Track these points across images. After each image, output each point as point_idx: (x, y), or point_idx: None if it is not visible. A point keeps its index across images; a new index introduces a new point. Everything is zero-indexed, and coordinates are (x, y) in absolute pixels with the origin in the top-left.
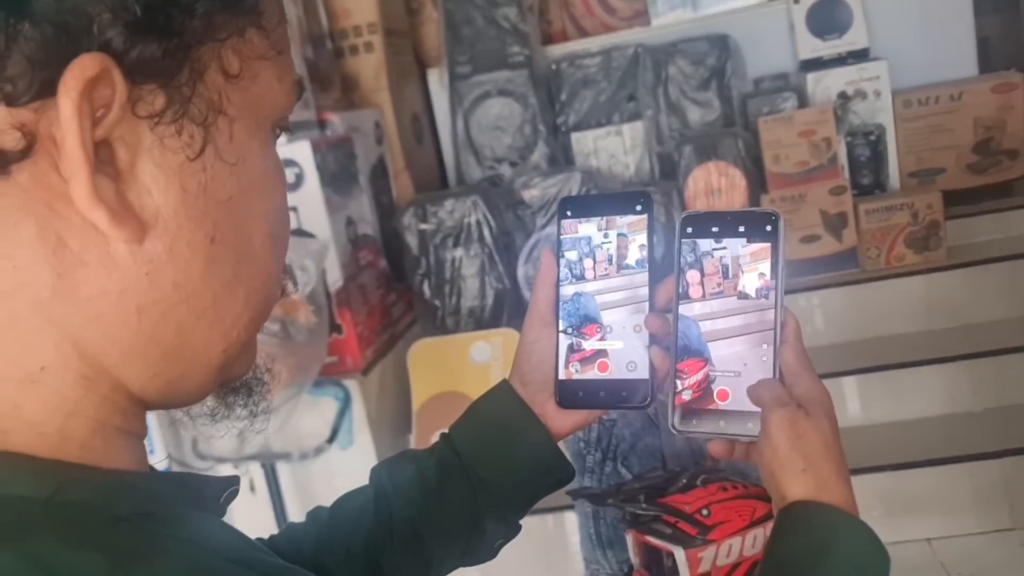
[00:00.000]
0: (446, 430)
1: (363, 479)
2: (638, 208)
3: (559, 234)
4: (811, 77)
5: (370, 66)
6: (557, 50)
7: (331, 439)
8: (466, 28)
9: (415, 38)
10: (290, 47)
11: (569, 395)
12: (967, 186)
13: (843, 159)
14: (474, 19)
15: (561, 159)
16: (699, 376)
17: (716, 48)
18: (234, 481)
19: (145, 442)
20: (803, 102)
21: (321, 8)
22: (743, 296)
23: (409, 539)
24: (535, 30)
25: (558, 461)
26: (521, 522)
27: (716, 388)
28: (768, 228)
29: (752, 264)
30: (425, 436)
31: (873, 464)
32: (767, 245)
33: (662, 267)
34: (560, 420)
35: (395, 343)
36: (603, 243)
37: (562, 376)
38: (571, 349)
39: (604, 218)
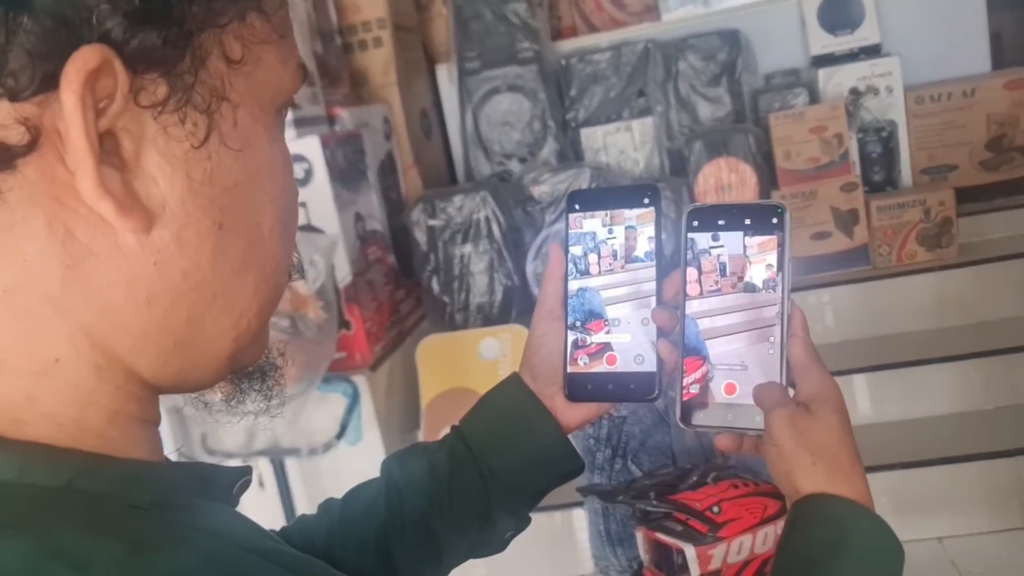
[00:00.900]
0: (456, 423)
1: (372, 475)
2: (645, 201)
3: (567, 228)
4: (822, 73)
5: (379, 61)
6: (567, 45)
7: (340, 435)
8: (475, 23)
9: (424, 33)
10: (292, 30)
11: (577, 388)
12: (979, 183)
13: (855, 155)
14: (483, 14)
15: (570, 155)
16: (701, 372)
17: (727, 43)
18: (246, 472)
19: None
20: (814, 98)
21: (330, 3)
22: (749, 290)
23: (420, 530)
24: (544, 25)
25: (568, 453)
26: (530, 517)
27: (723, 382)
28: (774, 220)
29: (758, 257)
30: (434, 432)
31: (884, 462)
32: (773, 238)
33: (670, 260)
34: (569, 413)
35: (404, 339)
36: (608, 238)
37: (570, 369)
38: (577, 344)
39: (611, 212)
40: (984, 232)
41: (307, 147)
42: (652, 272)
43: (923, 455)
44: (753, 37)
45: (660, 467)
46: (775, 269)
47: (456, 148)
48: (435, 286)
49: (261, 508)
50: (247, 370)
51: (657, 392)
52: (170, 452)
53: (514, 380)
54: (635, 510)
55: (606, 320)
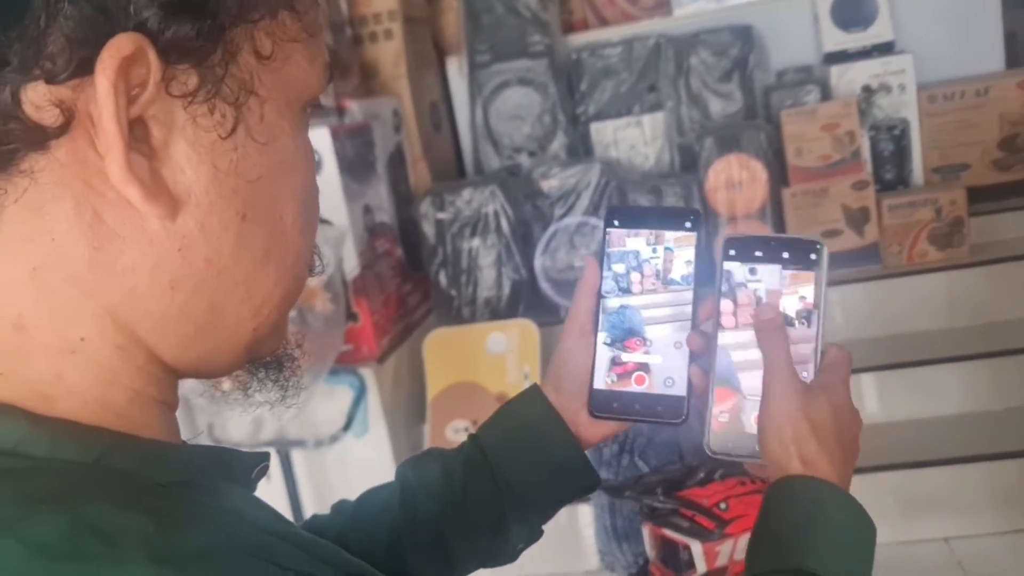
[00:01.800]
0: (461, 420)
1: (377, 467)
2: (687, 225)
3: (604, 244)
4: (835, 70)
5: (389, 54)
6: (578, 39)
7: (346, 427)
8: (486, 16)
9: (435, 26)
10: (322, 30)
11: (602, 405)
12: (992, 183)
13: (866, 153)
14: (494, 7)
15: (580, 149)
16: (732, 402)
17: (739, 39)
18: (264, 457)
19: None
20: (826, 95)
21: None
22: (786, 324)
23: (432, 536)
24: (556, 19)
25: (584, 468)
26: (543, 529)
27: (753, 414)
28: (812, 256)
29: (795, 292)
30: (440, 426)
31: (891, 462)
32: (811, 274)
33: (707, 285)
34: (590, 429)
35: (411, 332)
36: (651, 257)
37: (598, 385)
38: (613, 362)
39: (653, 232)
40: (996, 232)
41: (317, 138)
42: (689, 296)
43: (931, 455)
44: (765, 33)
45: (667, 463)
46: (811, 305)
47: (465, 141)
48: (443, 279)
49: (267, 499)
50: (264, 360)
51: (685, 416)
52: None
53: (534, 392)
54: (642, 506)
55: (644, 339)
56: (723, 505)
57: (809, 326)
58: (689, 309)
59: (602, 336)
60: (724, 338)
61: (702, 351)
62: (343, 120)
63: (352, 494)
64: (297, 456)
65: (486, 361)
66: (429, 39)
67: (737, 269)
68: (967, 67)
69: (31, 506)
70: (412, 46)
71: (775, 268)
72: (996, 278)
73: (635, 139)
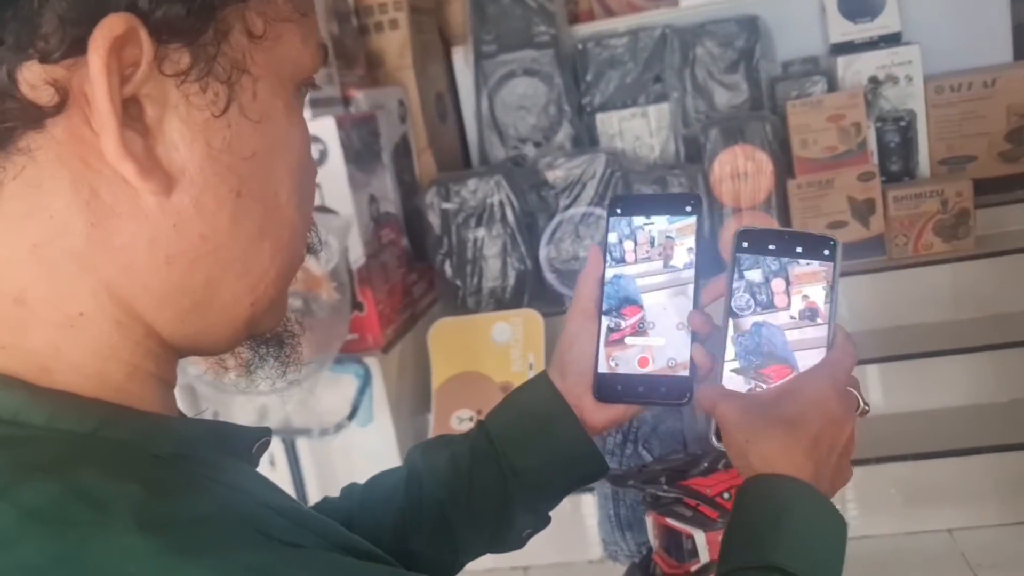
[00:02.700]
0: (466, 409)
1: (382, 456)
2: (688, 209)
3: (608, 231)
4: (841, 61)
5: (395, 43)
6: (583, 30)
7: (351, 416)
8: (492, 7)
9: (440, 16)
10: (314, 9)
11: (607, 389)
12: (998, 174)
13: (872, 145)
14: None
15: (585, 140)
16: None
17: (745, 30)
18: (265, 432)
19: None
20: (833, 86)
21: None
22: (804, 317)
23: (438, 522)
24: (561, 9)
25: (591, 455)
26: (550, 516)
27: None
28: (826, 252)
29: (803, 287)
30: (444, 415)
31: (896, 453)
32: (822, 269)
33: (709, 267)
34: (597, 414)
35: (416, 322)
36: (646, 224)
37: (602, 369)
38: (609, 330)
39: (653, 217)
40: (1002, 224)
41: (322, 128)
42: (691, 275)
43: (935, 447)
44: (772, 24)
45: (671, 452)
46: (823, 302)
47: (471, 131)
48: (448, 269)
49: None
50: (265, 336)
51: (688, 397)
52: None
53: (541, 379)
54: (645, 495)
55: (641, 306)
56: (726, 495)
57: (820, 323)
58: (691, 289)
59: (606, 321)
60: (741, 325)
61: (704, 330)
62: (349, 110)
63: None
64: (302, 445)
65: (491, 351)
66: (435, 29)
67: (749, 261)
68: (974, 58)
69: (26, 472)
70: (418, 36)
71: (787, 262)
72: (1002, 270)
73: (640, 130)
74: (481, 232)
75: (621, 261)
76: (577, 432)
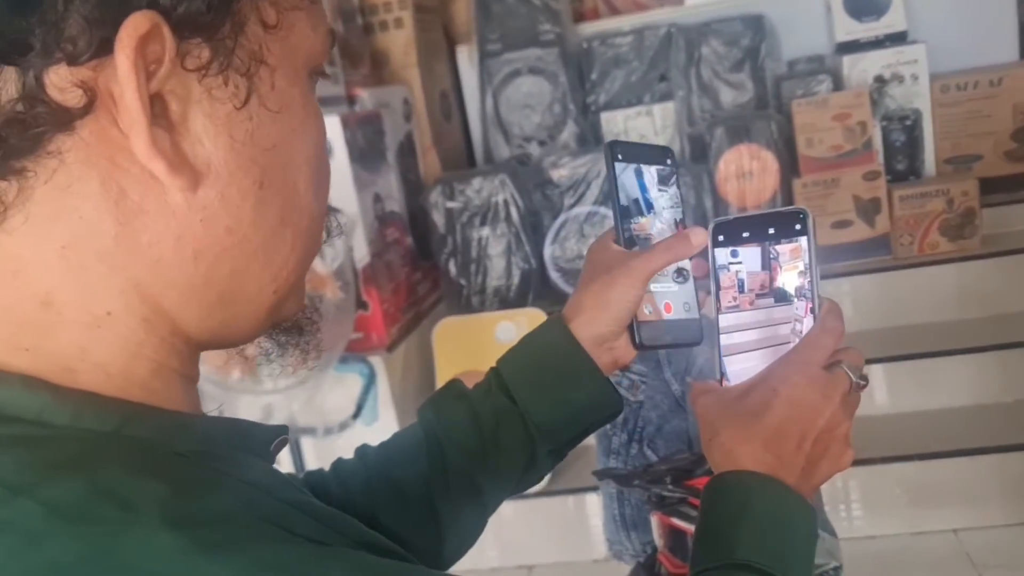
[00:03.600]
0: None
1: None
2: (668, 162)
3: (615, 181)
4: (847, 60)
5: (400, 42)
6: (588, 28)
7: (356, 415)
8: (496, 5)
9: (445, 15)
10: None
11: (648, 336)
12: (1004, 174)
13: (878, 144)
14: None
15: (590, 139)
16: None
17: (750, 29)
18: (283, 431)
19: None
20: (838, 85)
21: None
22: (780, 298)
23: (466, 485)
24: (566, 8)
25: (611, 399)
26: (544, 505)
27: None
28: (797, 227)
29: (788, 263)
30: None
31: (900, 453)
32: (797, 245)
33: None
34: (629, 353)
35: (420, 321)
36: (646, 189)
37: (642, 318)
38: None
39: (645, 166)
40: (1008, 223)
41: (327, 127)
42: (682, 224)
43: (941, 447)
44: (777, 22)
45: (676, 452)
46: (802, 275)
47: (475, 130)
48: (452, 268)
49: None
50: (284, 325)
51: (702, 336)
52: None
53: (557, 326)
54: (650, 495)
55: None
56: None
57: (800, 298)
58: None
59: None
60: (733, 318)
61: (699, 274)
62: (353, 108)
63: None
64: (307, 444)
65: (495, 350)
66: (439, 28)
67: (727, 253)
68: (981, 57)
69: (51, 471)
70: (422, 35)
71: (763, 246)
72: (1007, 270)
73: (645, 128)
74: (486, 231)
75: (634, 212)
76: (599, 381)
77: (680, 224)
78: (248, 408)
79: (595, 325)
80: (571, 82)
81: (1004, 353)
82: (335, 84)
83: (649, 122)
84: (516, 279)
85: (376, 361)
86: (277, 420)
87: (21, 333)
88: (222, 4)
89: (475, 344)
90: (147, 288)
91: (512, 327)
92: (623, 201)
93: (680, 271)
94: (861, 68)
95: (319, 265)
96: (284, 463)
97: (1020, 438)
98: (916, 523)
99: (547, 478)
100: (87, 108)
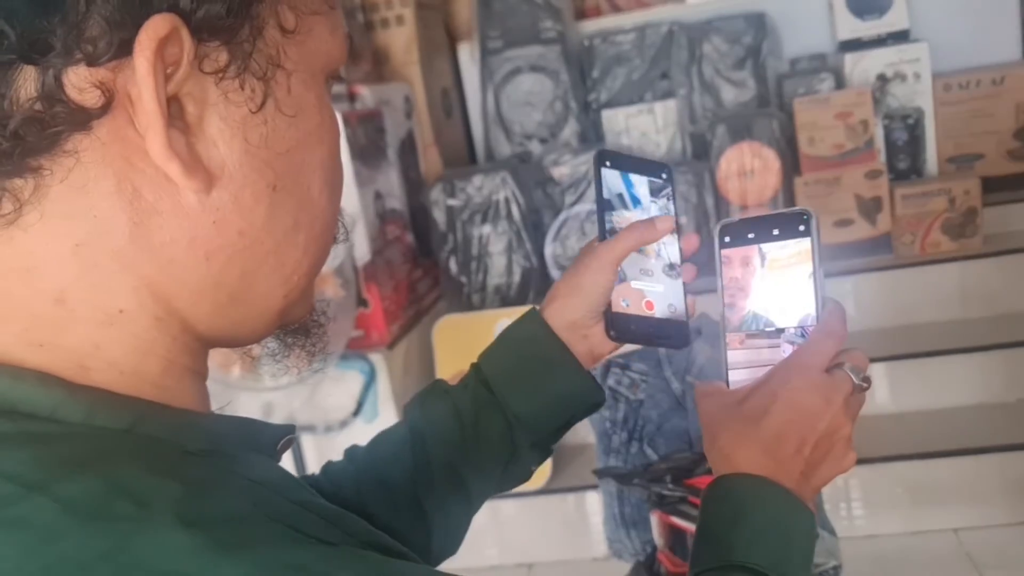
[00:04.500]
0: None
1: None
2: (664, 176)
3: (601, 186)
4: (849, 58)
5: (401, 39)
6: (590, 26)
7: (356, 412)
8: (498, 2)
9: (446, 12)
10: (339, 2)
11: (622, 328)
12: (1006, 172)
13: (880, 142)
14: None
15: (592, 137)
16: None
17: (752, 27)
18: (290, 430)
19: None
20: (840, 84)
21: None
22: (783, 300)
23: (448, 479)
24: (568, 5)
25: (591, 388)
26: (553, 448)
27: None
28: (801, 228)
29: (786, 267)
30: None
31: (902, 452)
32: (802, 246)
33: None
34: (605, 345)
35: (421, 318)
36: (636, 197)
37: (615, 309)
38: (627, 289)
39: (636, 176)
40: (1010, 223)
41: None
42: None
43: (942, 446)
44: (779, 20)
45: (676, 451)
46: (807, 275)
47: (477, 128)
48: (453, 266)
49: None
50: (292, 327)
51: (689, 339)
52: None
53: (534, 319)
54: (650, 493)
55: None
56: None
57: (808, 300)
58: (675, 244)
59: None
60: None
61: (691, 279)
62: (354, 106)
63: None
64: (307, 441)
65: None
66: (441, 25)
67: (733, 254)
68: (983, 56)
69: (66, 468)
70: (424, 32)
71: (767, 247)
72: (1010, 269)
73: (647, 127)
74: (486, 229)
75: (616, 206)
76: (576, 371)
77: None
78: (248, 405)
79: (567, 311)
80: (572, 80)
81: (1006, 352)
82: (336, 82)
83: (650, 120)
84: (517, 277)
85: (376, 358)
86: (278, 417)
87: (35, 329)
88: (241, 8)
89: (475, 342)
90: (159, 287)
91: None
92: (605, 195)
93: (672, 266)
94: (863, 66)
95: None
96: (285, 462)
97: (1022, 437)
98: (917, 522)
99: (547, 477)
100: (105, 108)
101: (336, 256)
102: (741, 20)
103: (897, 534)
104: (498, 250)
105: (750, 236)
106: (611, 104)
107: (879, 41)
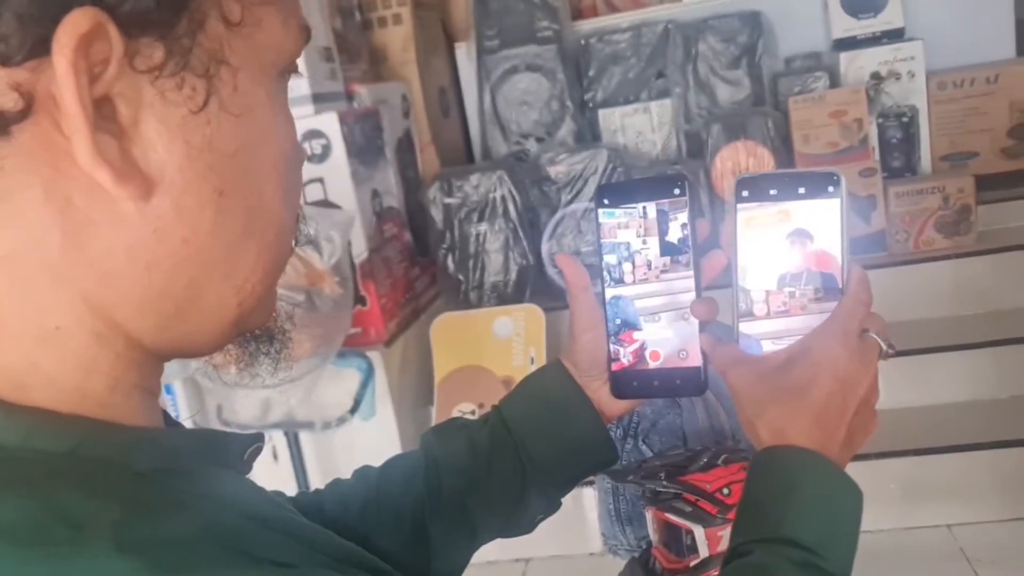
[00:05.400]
0: (468, 403)
1: (384, 450)
2: (676, 192)
3: (598, 233)
4: (844, 56)
5: (398, 38)
6: (586, 25)
7: (353, 410)
8: (495, 2)
9: (444, 11)
10: None
11: (624, 385)
12: (1001, 170)
13: (874, 141)
14: None
15: (588, 135)
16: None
17: (747, 26)
18: (259, 438)
19: (169, 404)
20: (835, 82)
21: None
22: (805, 264)
23: (456, 509)
24: (564, 5)
25: (605, 443)
26: (561, 502)
27: None
28: (830, 189)
29: (810, 229)
30: (446, 409)
31: (895, 449)
32: (828, 208)
33: (705, 249)
34: (613, 405)
35: (418, 316)
36: (643, 249)
37: (615, 367)
38: (616, 325)
39: (643, 210)
40: (1003, 220)
41: (325, 123)
42: (689, 259)
43: (935, 442)
44: (774, 19)
45: (671, 448)
46: (834, 243)
47: (474, 127)
48: (450, 264)
49: (275, 480)
50: (255, 333)
51: (704, 386)
52: (185, 419)
53: (556, 367)
54: (645, 490)
55: (639, 330)
56: (726, 490)
57: (833, 265)
58: (691, 277)
59: (611, 315)
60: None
61: (709, 318)
62: (352, 105)
63: None
64: (305, 438)
65: (492, 345)
66: (438, 24)
67: (751, 210)
68: (977, 54)
69: (1, 493)
70: (421, 31)
71: (790, 205)
72: (1003, 266)
73: (642, 125)
74: (483, 227)
75: (620, 282)
76: (593, 421)
77: (685, 266)
78: (245, 402)
79: (578, 366)
80: (569, 79)
81: (999, 349)
82: (333, 80)
83: (646, 119)
84: (513, 275)
85: (374, 356)
86: (275, 414)
87: None
88: (175, 0)
89: (472, 339)
90: (98, 301)
91: (509, 322)
92: (603, 238)
93: (681, 312)
94: (858, 65)
95: (317, 261)
96: (282, 459)
97: (1014, 434)
98: (910, 518)
99: None
100: (24, 112)
101: (333, 253)
102: (736, 19)
103: (890, 530)
104: (495, 248)
105: (772, 192)
106: (607, 103)
107: (874, 40)
